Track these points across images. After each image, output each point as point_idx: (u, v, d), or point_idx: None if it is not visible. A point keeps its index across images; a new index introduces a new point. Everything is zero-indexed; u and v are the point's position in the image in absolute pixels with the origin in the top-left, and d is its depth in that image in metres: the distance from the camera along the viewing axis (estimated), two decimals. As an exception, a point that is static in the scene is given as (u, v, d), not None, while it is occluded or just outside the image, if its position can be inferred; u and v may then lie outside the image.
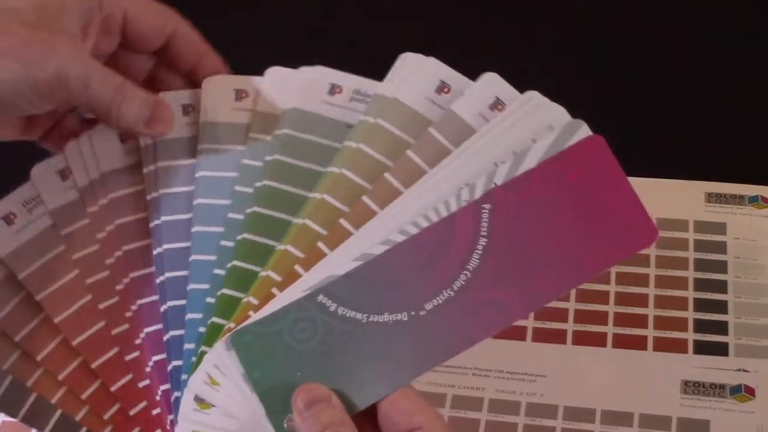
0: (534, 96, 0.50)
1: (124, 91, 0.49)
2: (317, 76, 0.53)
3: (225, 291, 0.48)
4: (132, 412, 0.48)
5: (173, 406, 0.47)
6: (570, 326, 0.69)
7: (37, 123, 0.53)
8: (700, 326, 0.68)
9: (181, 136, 0.52)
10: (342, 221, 0.48)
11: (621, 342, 0.68)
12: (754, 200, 0.74)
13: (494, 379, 0.67)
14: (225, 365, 0.46)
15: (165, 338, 0.48)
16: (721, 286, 0.70)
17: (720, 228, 0.73)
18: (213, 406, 0.46)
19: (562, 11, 0.91)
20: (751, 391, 0.65)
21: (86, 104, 0.49)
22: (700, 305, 0.69)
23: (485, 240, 0.47)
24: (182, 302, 0.49)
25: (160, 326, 0.49)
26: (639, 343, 0.68)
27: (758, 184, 0.75)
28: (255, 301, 0.47)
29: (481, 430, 0.65)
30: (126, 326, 0.49)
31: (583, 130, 0.49)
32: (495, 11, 0.92)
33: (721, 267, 0.71)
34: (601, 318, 0.69)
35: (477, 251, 0.47)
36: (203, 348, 0.47)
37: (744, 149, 0.80)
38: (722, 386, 0.65)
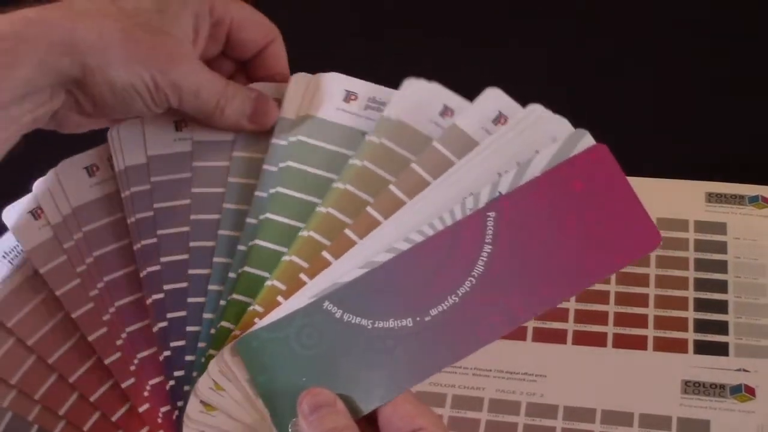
0: (536, 108, 0.50)
1: (227, 93, 0.50)
2: (333, 83, 0.53)
3: (235, 296, 0.48)
4: None
5: (176, 425, 0.47)
6: (570, 326, 0.69)
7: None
8: (701, 326, 0.68)
9: (169, 152, 0.52)
10: (347, 231, 0.48)
11: (621, 342, 0.68)
12: (754, 200, 0.74)
13: (494, 379, 0.67)
14: (230, 371, 0.46)
15: (162, 356, 0.48)
16: (722, 286, 0.70)
17: (720, 228, 0.73)
18: (218, 409, 0.46)
19: (562, 11, 0.91)
20: (751, 391, 0.65)
21: (192, 110, 0.50)
22: (701, 305, 0.69)
23: (490, 247, 0.47)
24: (182, 314, 0.49)
25: (153, 350, 0.49)
26: (639, 343, 0.68)
27: (758, 184, 0.75)
28: (260, 309, 0.47)
29: (482, 429, 0.65)
30: (118, 354, 0.49)
31: (587, 140, 0.49)
32: (495, 11, 0.92)
33: (722, 267, 0.71)
34: (601, 318, 0.69)
35: (482, 258, 0.47)
36: (211, 351, 0.47)
37: (744, 149, 0.80)
38: (722, 386, 0.66)
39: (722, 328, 0.68)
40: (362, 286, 0.47)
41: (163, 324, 0.49)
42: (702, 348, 0.67)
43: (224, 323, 0.48)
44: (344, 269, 0.47)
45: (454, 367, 0.65)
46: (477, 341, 0.47)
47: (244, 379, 0.46)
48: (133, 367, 0.48)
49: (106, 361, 0.48)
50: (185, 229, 0.50)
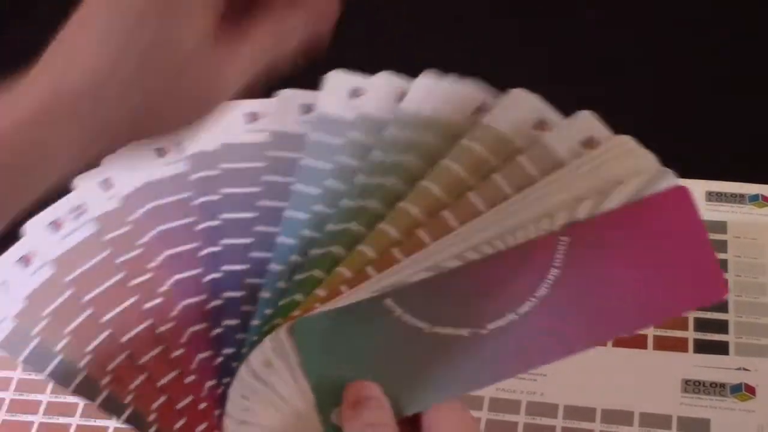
0: (627, 141, 0.50)
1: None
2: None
3: (314, 272, 0.48)
4: (179, 406, 0.48)
5: (220, 400, 0.47)
6: (570, 325, 0.69)
7: None
8: (701, 325, 0.68)
9: (237, 141, 0.53)
10: (420, 231, 0.48)
11: (621, 341, 0.68)
12: (754, 199, 0.74)
13: (495, 378, 0.67)
14: (283, 350, 0.46)
15: (215, 333, 0.49)
16: (722, 285, 0.70)
17: (720, 227, 0.73)
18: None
19: (562, 10, 0.91)
20: (751, 390, 0.65)
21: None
22: (701, 304, 0.69)
23: (557, 271, 0.47)
24: (237, 294, 0.49)
25: (204, 325, 0.49)
26: (639, 342, 0.68)
27: (759, 183, 0.75)
28: (323, 294, 0.47)
29: (482, 428, 0.65)
30: (172, 324, 0.50)
31: (670, 180, 0.49)
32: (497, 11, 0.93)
33: (722, 265, 0.71)
34: (601, 317, 0.69)
35: (548, 281, 0.47)
36: (277, 320, 0.47)
37: (744, 148, 0.80)
38: (723, 385, 0.66)
39: (722, 327, 0.68)
40: (426, 289, 0.46)
41: (218, 302, 0.49)
42: (702, 347, 0.68)
43: (289, 299, 0.48)
44: (411, 269, 0.47)
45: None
46: (527, 362, 0.47)
47: (295, 362, 0.46)
48: (184, 339, 0.49)
49: (159, 330, 0.49)
50: (250, 215, 0.51)
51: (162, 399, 0.49)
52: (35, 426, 0.69)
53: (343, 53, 0.50)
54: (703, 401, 0.65)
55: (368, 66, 0.54)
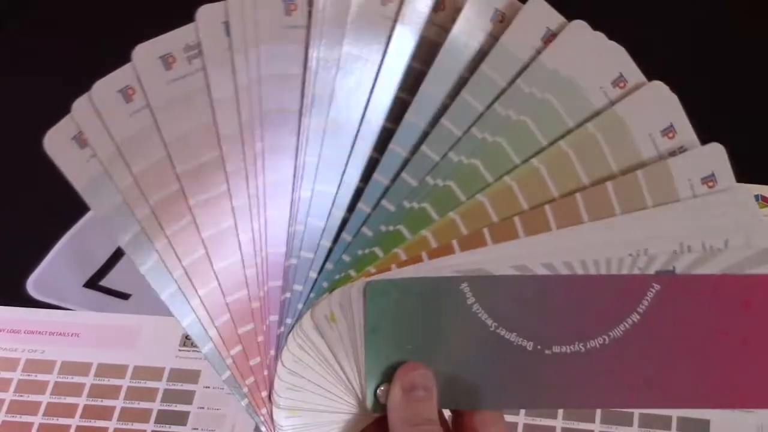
0: (746, 190, 0.47)
1: None
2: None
3: (400, 227, 0.45)
4: (239, 331, 0.46)
5: (278, 341, 0.45)
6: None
7: None
8: (701, 326, 0.68)
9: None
10: (516, 219, 0.45)
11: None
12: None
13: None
14: (350, 308, 0.44)
15: (283, 297, 0.46)
16: (722, 286, 0.70)
17: (720, 227, 0.73)
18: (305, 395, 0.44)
19: (563, 9, 0.91)
20: (751, 391, 0.65)
21: None
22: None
23: (638, 317, 0.45)
24: (321, 223, 0.46)
25: (282, 249, 0.46)
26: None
27: (759, 183, 0.75)
28: (404, 257, 0.45)
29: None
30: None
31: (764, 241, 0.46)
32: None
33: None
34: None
35: (625, 324, 0.45)
36: (350, 271, 0.45)
37: (744, 149, 0.80)
38: (722, 385, 0.66)
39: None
40: (504, 287, 0.44)
41: (300, 227, 0.46)
42: (702, 347, 0.68)
43: (369, 250, 0.45)
44: (496, 260, 0.45)
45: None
46: (578, 399, 0.45)
47: (359, 323, 0.44)
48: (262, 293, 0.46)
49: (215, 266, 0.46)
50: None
51: (225, 317, 0.46)
52: (35, 426, 0.69)
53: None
54: (703, 402, 0.65)
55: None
